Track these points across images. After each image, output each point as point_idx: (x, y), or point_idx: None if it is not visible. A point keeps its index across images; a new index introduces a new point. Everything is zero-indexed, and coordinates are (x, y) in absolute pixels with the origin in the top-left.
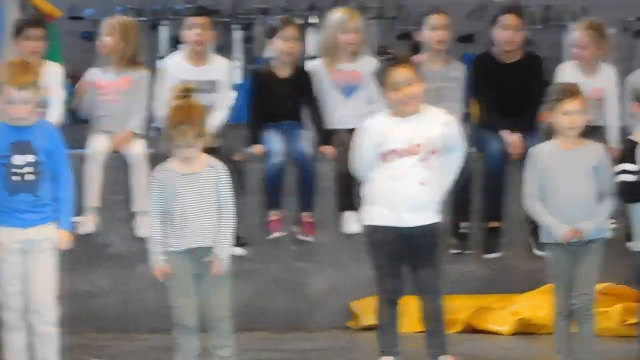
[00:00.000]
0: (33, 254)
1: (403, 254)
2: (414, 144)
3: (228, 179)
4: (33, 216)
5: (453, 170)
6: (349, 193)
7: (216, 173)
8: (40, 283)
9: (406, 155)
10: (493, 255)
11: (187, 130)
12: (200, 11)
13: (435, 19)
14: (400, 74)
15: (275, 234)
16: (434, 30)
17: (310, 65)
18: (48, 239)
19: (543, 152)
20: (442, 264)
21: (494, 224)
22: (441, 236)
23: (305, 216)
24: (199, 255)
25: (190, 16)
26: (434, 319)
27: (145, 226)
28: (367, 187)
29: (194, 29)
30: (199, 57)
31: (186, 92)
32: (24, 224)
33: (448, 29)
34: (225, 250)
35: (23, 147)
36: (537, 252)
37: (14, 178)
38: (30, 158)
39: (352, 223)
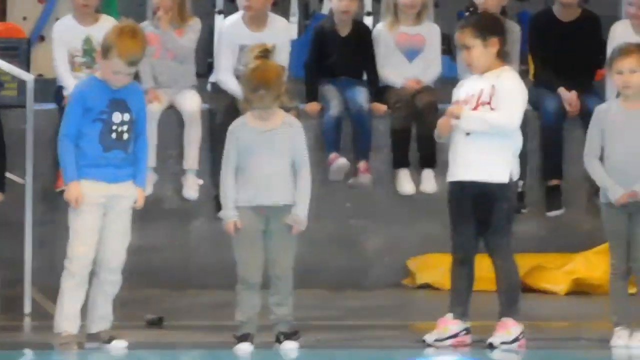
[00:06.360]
0: (114, 211)
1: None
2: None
3: (303, 137)
4: (121, 172)
5: None
6: (404, 150)
7: (292, 130)
8: (118, 241)
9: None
10: (556, 212)
11: (264, 95)
12: None
13: None
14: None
15: (339, 161)
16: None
17: (376, 28)
18: (129, 196)
19: (607, 110)
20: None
21: (554, 182)
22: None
23: (362, 165)
24: (268, 213)
25: None
26: (499, 280)
27: (193, 187)
28: None
29: None
30: (257, 20)
31: (264, 52)
32: (110, 179)
33: None
34: (305, 210)
35: (121, 106)
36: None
37: (112, 135)
38: (127, 117)
39: (406, 183)
